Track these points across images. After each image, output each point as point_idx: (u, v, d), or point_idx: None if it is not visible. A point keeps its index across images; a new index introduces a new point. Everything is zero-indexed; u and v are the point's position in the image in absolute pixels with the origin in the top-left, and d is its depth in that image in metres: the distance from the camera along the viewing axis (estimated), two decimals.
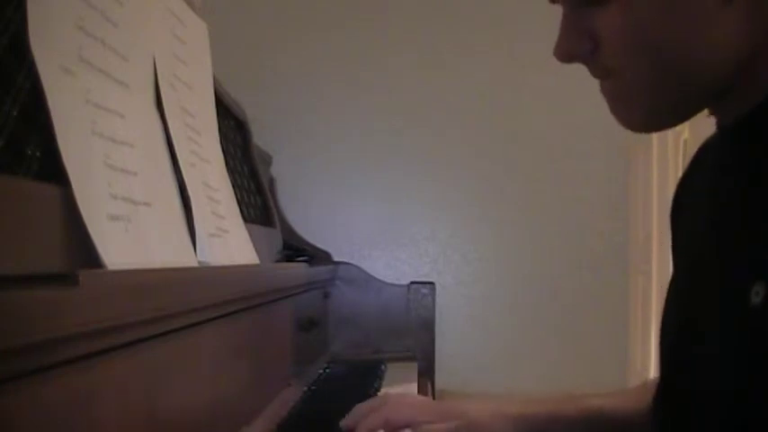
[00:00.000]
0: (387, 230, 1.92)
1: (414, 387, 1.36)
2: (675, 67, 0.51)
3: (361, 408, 0.87)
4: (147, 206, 0.67)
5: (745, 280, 0.44)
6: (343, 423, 0.85)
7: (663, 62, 0.51)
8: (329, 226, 1.88)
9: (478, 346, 1.90)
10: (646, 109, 0.55)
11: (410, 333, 1.74)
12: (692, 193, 0.64)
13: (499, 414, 0.77)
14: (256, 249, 1.05)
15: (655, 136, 1.77)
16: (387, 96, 1.92)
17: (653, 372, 1.75)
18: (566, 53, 0.55)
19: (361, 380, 1.35)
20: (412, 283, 1.78)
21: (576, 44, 0.55)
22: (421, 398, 0.89)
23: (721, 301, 0.47)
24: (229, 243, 0.93)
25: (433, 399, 1.49)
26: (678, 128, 1.66)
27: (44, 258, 0.49)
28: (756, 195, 0.49)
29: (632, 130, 0.57)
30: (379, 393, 1.24)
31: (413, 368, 1.57)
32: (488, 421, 0.76)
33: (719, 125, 0.58)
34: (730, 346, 0.46)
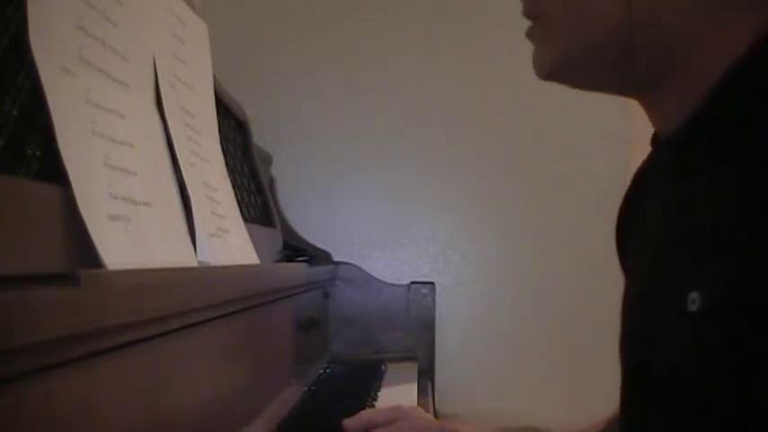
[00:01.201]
0: (387, 230, 1.92)
1: (414, 387, 1.36)
2: (583, 21, 0.53)
3: (368, 415, 0.86)
4: (147, 206, 0.67)
5: (682, 289, 0.46)
6: (347, 423, 0.85)
7: (574, 10, 0.53)
8: (329, 226, 1.88)
9: (478, 346, 1.90)
10: (557, 56, 0.56)
11: (410, 333, 1.74)
12: (634, 214, 0.65)
13: None
14: (256, 249, 1.05)
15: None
16: (387, 96, 1.92)
17: None
18: None
19: (361, 380, 1.35)
20: (412, 283, 1.78)
21: None
22: (427, 420, 0.88)
23: (663, 310, 0.49)
24: (229, 243, 0.93)
25: (433, 400, 1.49)
26: None
27: (44, 258, 0.48)
28: (691, 208, 0.50)
29: (540, 76, 0.58)
30: (379, 393, 1.24)
31: (413, 368, 1.57)
32: None
33: (656, 138, 0.58)
34: (673, 353, 0.47)
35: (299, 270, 1.30)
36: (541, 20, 0.56)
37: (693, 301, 0.44)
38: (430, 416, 0.91)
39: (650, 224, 0.57)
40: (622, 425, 0.58)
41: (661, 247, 0.53)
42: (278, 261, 1.37)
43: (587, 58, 0.54)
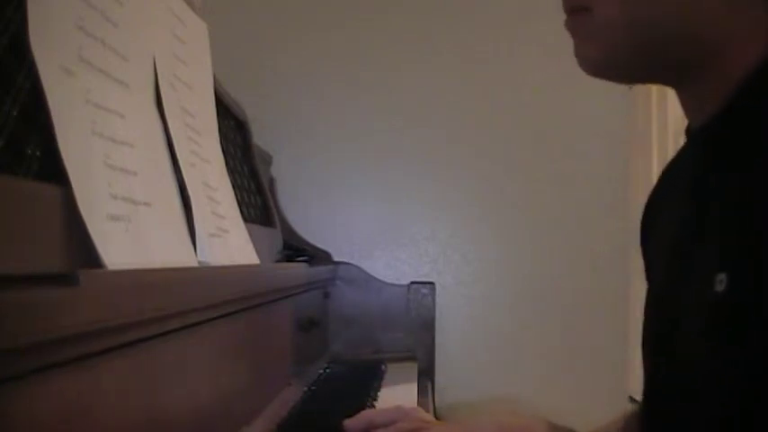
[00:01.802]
0: (387, 230, 1.92)
1: (414, 387, 1.36)
2: (647, 18, 0.52)
3: (368, 415, 0.86)
4: (147, 206, 0.67)
5: (710, 271, 0.48)
6: (348, 423, 0.85)
7: (640, 8, 0.52)
8: (329, 226, 1.88)
9: (478, 346, 1.90)
10: (609, 52, 0.55)
11: (410, 333, 1.74)
12: (663, 204, 0.66)
13: None
14: (256, 249, 1.05)
15: (655, 136, 1.77)
16: (387, 96, 1.92)
17: None
18: None
19: (361, 380, 1.35)
20: (412, 283, 1.78)
21: None
22: (428, 420, 0.87)
23: (693, 291, 0.51)
24: (229, 243, 0.93)
25: (433, 400, 1.49)
26: (678, 127, 1.66)
27: (44, 258, 0.48)
28: (721, 194, 0.52)
29: (588, 71, 0.57)
30: (379, 394, 1.24)
31: (413, 368, 1.57)
32: None
33: (689, 129, 0.59)
34: (701, 332, 0.49)
35: (299, 270, 1.30)
36: (587, 13, 0.55)
37: (721, 281, 0.46)
38: (430, 416, 0.91)
39: (680, 212, 0.59)
40: (645, 421, 0.59)
41: (690, 233, 0.55)
42: (278, 261, 1.37)
43: (636, 54, 0.55)
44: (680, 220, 0.58)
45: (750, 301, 0.44)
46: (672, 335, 0.54)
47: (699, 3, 0.51)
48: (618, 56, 0.55)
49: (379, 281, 1.76)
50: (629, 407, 0.86)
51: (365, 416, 0.87)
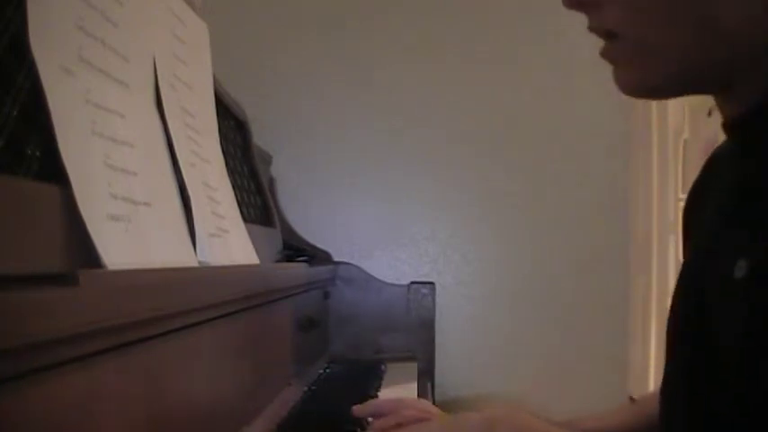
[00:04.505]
0: (387, 230, 1.92)
1: (414, 387, 1.36)
2: (690, 34, 0.52)
3: (375, 404, 0.89)
4: (147, 206, 0.67)
5: (732, 257, 0.49)
6: (356, 409, 0.87)
7: (680, 31, 0.52)
8: (329, 226, 1.88)
9: (478, 346, 1.90)
10: (648, 78, 0.56)
11: (410, 333, 1.74)
12: (701, 197, 0.68)
13: None
14: (256, 249, 1.05)
15: (655, 136, 1.77)
16: (387, 96, 1.92)
17: (653, 372, 1.75)
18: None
19: (361, 380, 1.35)
20: (412, 283, 1.78)
21: None
22: (431, 410, 0.90)
23: (718, 276, 0.52)
24: (229, 243, 0.93)
25: (433, 399, 1.49)
26: (678, 128, 1.66)
27: (44, 258, 0.48)
28: (748, 184, 0.53)
29: (629, 94, 0.58)
30: (379, 394, 1.24)
31: (413, 368, 1.57)
32: None
33: (723, 123, 0.60)
34: (722, 315, 0.50)
35: (299, 270, 1.30)
36: (619, 39, 0.56)
37: (740, 268, 0.47)
38: (436, 408, 0.93)
39: (714, 202, 0.61)
40: (663, 408, 0.60)
41: (719, 220, 0.57)
42: (278, 261, 1.37)
43: (674, 75, 0.55)
44: (717, 207, 0.59)
45: (766, 291, 0.45)
46: (695, 318, 0.55)
47: (735, 14, 0.50)
48: (661, 79, 0.55)
49: (379, 281, 1.76)
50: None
51: (372, 404, 0.89)
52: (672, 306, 0.62)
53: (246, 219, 1.10)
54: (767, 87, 0.52)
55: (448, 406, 1.72)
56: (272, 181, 1.72)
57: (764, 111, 0.53)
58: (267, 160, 1.67)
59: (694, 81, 0.56)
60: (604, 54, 0.58)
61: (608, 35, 0.56)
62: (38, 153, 0.53)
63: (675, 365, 0.60)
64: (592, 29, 0.57)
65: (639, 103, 1.80)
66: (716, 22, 0.51)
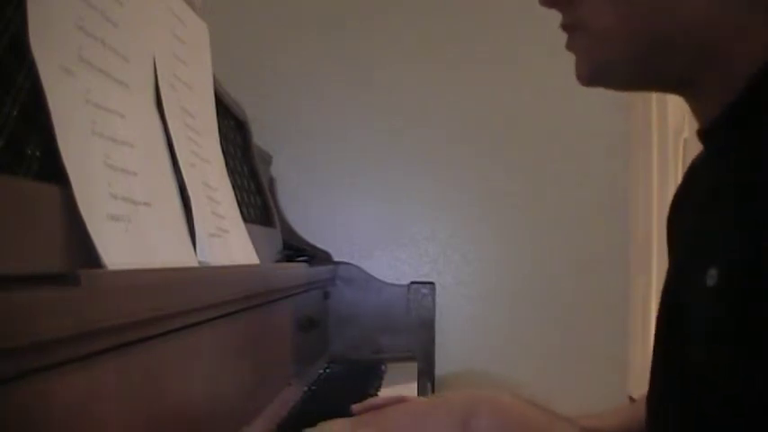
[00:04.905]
0: (387, 230, 1.92)
1: (414, 387, 1.36)
2: (641, 27, 0.53)
3: (374, 401, 0.89)
4: (147, 206, 0.67)
5: (704, 265, 0.49)
6: (355, 407, 0.87)
7: (634, 18, 0.53)
8: (329, 226, 1.88)
9: (478, 346, 1.90)
10: (602, 62, 0.56)
11: (410, 333, 1.74)
12: (684, 202, 0.68)
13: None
14: (256, 249, 1.05)
15: (655, 136, 1.77)
16: (387, 96, 1.92)
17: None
18: None
19: (361, 380, 1.35)
20: (412, 283, 1.78)
21: None
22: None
23: (689, 288, 0.53)
24: (229, 243, 0.93)
25: None
26: (678, 127, 1.66)
27: (44, 258, 0.48)
28: (720, 191, 0.53)
29: (583, 83, 0.59)
30: (379, 394, 1.24)
31: (413, 368, 1.57)
32: None
33: (698, 131, 0.60)
34: (695, 322, 0.51)
35: (299, 270, 1.30)
36: (582, 30, 0.57)
37: (712, 276, 0.47)
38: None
39: (691, 211, 0.61)
40: (650, 414, 0.60)
41: (693, 230, 0.57)
42: (278, 261, 1.37)
43: (632, 63, 0.55)
44: (693, 217, 0.59)
45: (737, 297, 0.45)
46: (675, 328, 0.55)
47: (692, 7, 0.51)
48: (614, 66, 0.56)
49: (379, 281, 1.76)
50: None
51: (371, 402, 0.89)
52: (657, 317, 0.62)
53: (246, 219, 1.10)
54: (739, 90, 0.52)
55: None
56: (272, 181, 1.72)
57: (732, 118, 0.53)
58: (267, 160, 1.67)
59: (650, 72, 0.56)
60: (567, 46, 0.58)
61: (573, 28, 0.57)
62: (38, 153, 0.53)
63: (659, 380, 0.59)
64: (564, 26, 0.58)
65: (639, 102, 1.80)
66: (672, 10, 0.51)
